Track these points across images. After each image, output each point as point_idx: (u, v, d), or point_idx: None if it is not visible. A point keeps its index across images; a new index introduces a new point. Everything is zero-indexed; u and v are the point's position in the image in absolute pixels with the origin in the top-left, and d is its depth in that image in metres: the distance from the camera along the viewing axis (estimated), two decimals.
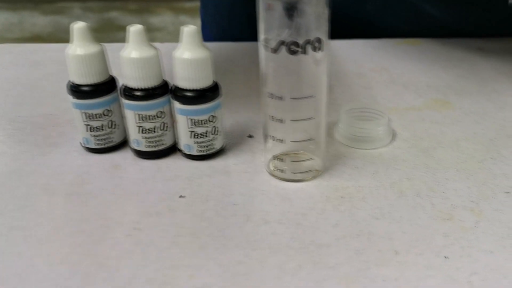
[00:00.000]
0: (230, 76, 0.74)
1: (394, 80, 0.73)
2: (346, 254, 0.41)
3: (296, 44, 0.42)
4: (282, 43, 0.42)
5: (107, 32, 3.17)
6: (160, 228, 0.44)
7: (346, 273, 0.39)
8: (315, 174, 0.50)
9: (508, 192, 0.48)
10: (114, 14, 3.49)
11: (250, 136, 0.58)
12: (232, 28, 0.94)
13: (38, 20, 3.49)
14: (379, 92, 0.70)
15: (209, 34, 0.99)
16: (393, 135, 0.58)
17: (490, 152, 0.55)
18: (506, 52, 0.84)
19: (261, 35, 0.44)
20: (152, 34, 2.96)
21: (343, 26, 0.90)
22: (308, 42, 0.42)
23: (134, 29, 0.47)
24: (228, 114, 0.62)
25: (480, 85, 0.71)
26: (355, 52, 0.84)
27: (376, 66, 0.79)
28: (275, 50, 0.43)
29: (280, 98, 0.45)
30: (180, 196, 0.47)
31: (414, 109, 0.65)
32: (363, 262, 0.40)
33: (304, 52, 0.43)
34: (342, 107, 0.58)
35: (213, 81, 0.51)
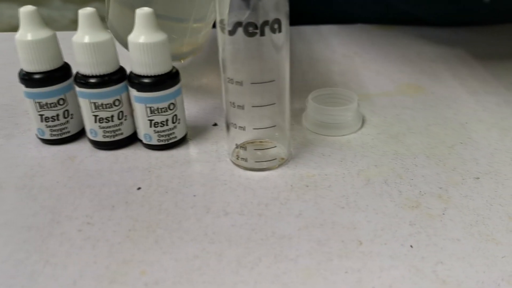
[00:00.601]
0: (198, 61, 0.72)
1: (366, 66, 0.71)
2: (308, 246, 0.39)
3: (253, 25, 0.40)
4: (239, 24, 0.40)
5: None
6: (114, 222, 0.41)
7: (306, 266, 0.37)
8: (280, 162, 0.48)
9: (477, 178, 0.46)
10: (95, 5, 3.44)
11: (215, 125, 0.56)
12: None
13: (16, 12, 3.43)
14: (351, 77, 0.68)
15: None
16: (363, 121, 0.56)
17: (461, 137, 0.53)
18: (478, 38, 0.82)
19: (217, 17, 0.41)
20: None
21: (314, 17, 0.88)
22: (266, 23, 0.40)
23: (85, 13, 0.45)
24: (193, 102, 0.60)
25: (453, 70, 0.70)
26: (328, 38, 0.82)
27: (349, 51, 0.77)
28: (231, 32, 0.41)
29: (240, 83, 0.43)
30: (138, 188, 0.45)
31: (386, 95, 0.63)
32: (325, 254, 0.38)
33: (263, 33, 0.40)
34: (310, 93, 0.56)
35: (172, 66, 0.48)
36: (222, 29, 0.41)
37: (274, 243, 0.39)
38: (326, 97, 0.57)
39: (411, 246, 0.38)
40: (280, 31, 0.41)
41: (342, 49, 0.77)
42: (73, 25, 3.00)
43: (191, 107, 0.59)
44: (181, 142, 0.52)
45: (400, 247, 0.38)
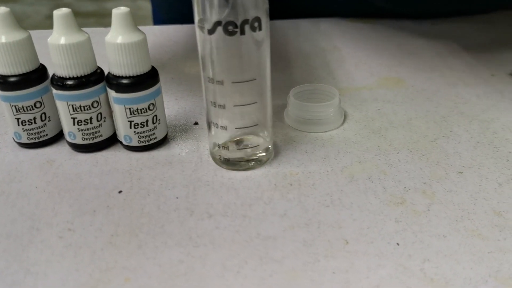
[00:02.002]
0: (180, 60, 0.71)
1: (346, 59, 0.71)
2: (293, 246, 0.38)
3: (233, 24, 0.39)
4: (218, 23, 0.39)
5: None
6: (95, 227, 0.40)
7: (293, 267, 0.36)
8: (263, 161, 0.47)
9: (461, 172, 0.46)
10: (69, 0, 3.40)
11: (196, 124, 0.55)
12: (186, 9, 0.90)
13: None
14: (331, 72, 0.67)
15: (160, 16, 0.95)
16: (345, 117, 0.55)
17: (443, 130, 0.53)
18: (457, 30, 0.82)
19: (196, 16, 0.40)
20: (107, 19, 2.89)
21: (288, 11, 0.87)
22: (246, 22, 0.39)
23: (61, 13, 0.44)
24: (172, 100, 0.59)
25: (432, 62, 0.69)
26: (306, 32, 0.81)
27: (328, 45, 0.76)
28: (211, 32, 0.40)
29: (220, 82, 0.42)
30: (119, 192, 0.44)
31: (366, 89, 0.62)
32: (312, 254, 0.37)
33: (242, 32, 0.40)
34: (291, 89, 0.55)
35: (151, 66, 0.47)
36: (201, 28, 0.40)
37: (259, 245, 0.38)
38: (307, 93, 0.56)
39: (398, 244, 0.38)
40: (260, 29, 0.40)
41: (320, 43, 0.77)
42: (47, 21, 2.96)
43: (171, 106, 0.58)
44: (162, 142, 0.51)
45: (386, 245, 0.38)
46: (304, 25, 0.84)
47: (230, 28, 0.39)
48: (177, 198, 0.43)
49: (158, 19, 0.95)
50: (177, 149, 0.50)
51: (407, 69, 0.67)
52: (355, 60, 0.71)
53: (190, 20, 0.84)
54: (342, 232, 0.39)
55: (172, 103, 0.59)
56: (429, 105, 0.58)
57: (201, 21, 0.40)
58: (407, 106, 0.58)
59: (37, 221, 0.41)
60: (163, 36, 0.80)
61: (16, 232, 0.40)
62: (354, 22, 0.84)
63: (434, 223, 0.40)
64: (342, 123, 0.54)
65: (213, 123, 0.45)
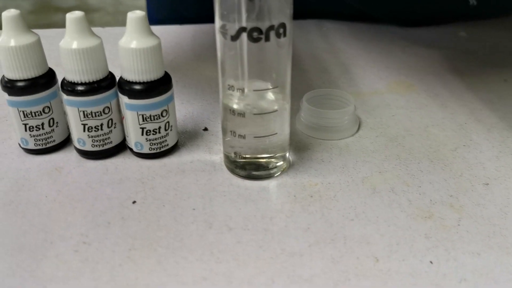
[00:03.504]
0: (179, 63, 0.69)
1: (351, 62, 0.70)
2: (322, 264, 0.37)
3: (258, 30, 0.38)
4: (243, 29, 0.38)
5: (44, 14, 3.04)
6: (112, 241, 0.39)
7: (324, 287, 0.35)
8: (280, 170, 0.46)
9: (487, 184, 0.45)
10: None
11: (205, 129, 0.53)
12: (181, 8, 0.88)
13: None
14: (338, 76, 0.66)
15: (155, 15, 0.93)
16: (359, 123, 0.54)
17: (462, 139, 0.52)
18: (467, 29, 0.81)
19: (218, 22, 0.39)
20: (90, 15, 2.85)
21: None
22: (271, 28, 0.38)
23: (74, 17, 0.42)
24: (178, 105, 0.58)
25: (441, 66, 0.69)
26: (309, 33, 0.80)
27: (330, 47, 0.75)
28: (234, 38, 0.38)
29: (241, 90, 0.41)
30: (133, 202, 0.43)
31: (377, 93, 0.61)
32: (341, 273, 0.36)
33: (267, 39, 0.38)
34: (303, 95, 0.54)
35: (164, 71, 0.46)
36: (224, 34, 0.39)
37: (285, 262, 0.37)
38: (320, 99, 0.55)
39: (431, 262, 0.37)
40: (285, 35, 0.39)
41: (322, 44, 0.76)
42: (30, 16, 2.91)
43: (177, 111, 0.56)
44: (173, 149, 0.49)
45: (419, 264, 0.37)
46: (307, 26, 0.83)
47: (255, 34, 0.38)
48: (194, 209, 0.42)
49: (153, 19, 0.93)
50: (189, 157, 0.49)
51: (416, 73, 0.66)
52: (362, 63, 0.70)
53: (189, 21, 0.84)
54: (371, 248, 0.38)
55: (179, 108, 0.57)
56: (444, 111, 0.57)
57: (224, 26, 0.39)
58: (422, 113, 0.57)
59: (50, 233, 0.39)
60: (162, 37, 0.78)
61: (29, 245, 0.38)
62: (356, 25, 0.83)
63: (466, 239, 0.39)
64: (357, 130, 0.53)
65: (231, 131, 0.44)
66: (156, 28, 0.80)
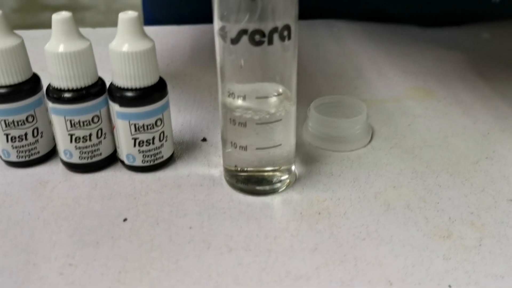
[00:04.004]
0: (177, 67, 0.70)
1: (365, 66, 0.70)
2: (330, 287, 0.37)
3: (260, 33, 0.38)
4: (244, 32, 0.38)
5: (31, 13, 3.06)
6: (100, 263, 0.39)
7: None
8: (285, 184, 0.46)
9: (511, 200, 0.45)
10: None
11: (204, 140, 0.53)
12: (180, 8, 0.88)
13: None
14: (350, 81, 0.66)
15: (151, 15, 0.93)
16: (372, 133, 0.54)
17: (485, 150, 0.52)
18: (490, 29, 0.81)
19: (217, 23, 0.39)
20: (81, 14, 2.86)
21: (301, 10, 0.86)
22: (275, 30, 0.38)
23: (60, 18, 0.42)
24: (175, 113, 0.58)
25: (462, 70, 0.69)
26: (319, 34, 0.81)
27: (342, 50, 0.75)
28: (235, 41, 0.39)
29: (242, 97, 0.41)
30: (124, 220, 0.43)
31: (393, 100, 0.61)
32: None
33: (271, 42, 0.38)
34: (311, 102, 0.54)
35: (159, 77, 0.46)
36: (223, 37, 0.39)
37: (291, 286, 0.37)
38: (330, 106, 0.55)
39: (450, 286, 0.37)
40: (289, 38, 0.39)
41: (334, 47, 0.76)
42: (14, 14, 2.93)
43: (174, 119, 0.56)
44: (168, 162, 0.49)
45: None
46: (316, 26, 0.83)
47: (257, 37, 0.38)
48: (190, 228, 0.42)
49: (150, 19, 0.94)
50: (186, 170, 0.49)
51: (436, 78, 0.67)
52: (377, 67, 0.70)
53: (189, 20, 0.84)
54: (384, 271, 0.38)
55: (175, 116, 0.58)
56: (465, 120, 0.57)
57: (223, 28, 0.39)
58: (441, 121, 0.57)
59: (34, 254, 0.40)
60: (158, 38, 0.78)
61: (10, 268, 0.38)
62: (370, 25, 0.84)
63: (489, 260, 0.39)
64: (370, 141, 0.53)
65: (231, 142, 0.44)
66: (152, 29, 0.81)
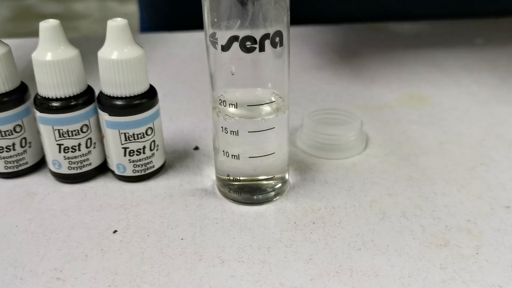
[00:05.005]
0: (168, 75, 0.69)
1: (359, 73, 0.69)
2: None
3: (251, 39, 0.37)
4: (235, 38, 0.37)
5: (25, 22, 3.05)
6: (89, 276, 0.38)
7: None
8: (278, 193, 0.45)
9: (508, 207, 0.44)
10: (32, 1, 3.37)
11: (196, 148, 0.52)
12: (176, 15, 0.87)
13: None
14: (344, 87, 0.65)
15: (147, 22, 0.92)
16: (367, 140, 0.53)
17: (480, 157, 0.51)
18: (484, 34, 0.81)
19: (208, 30, 0.38)
20: (75, 23, 2.85)
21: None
22: (266, 36, 0.37)
23: (47, 25, 0.42)
24: (167, 122, 0.57)
25: (457, 75, 0.68)
26: (310, 41, 0.80)
27: (336, 56, 0.75)
28: (225, 48, 0.38)
29: (234, 105, 0.40)
30: (114, 231, 0.42)
31: (387, 107, 0.60)
32: None
33: (262, 48, 0.37)
34: (304, 110, 0.53)
35: (149, 85, 0.45)
36: (213, 44, 0.38)
37: None
38: (323, 114, 0.54)
39: None
40: (281, 44, 0.38)
41: (328, 54, 0.75)
42: (9, 24, 2.92)
43: (166, 128, 0.55)
44: (159, 171, 0.49)
45: None
46: (308, 32, 0.82)
47: (248, 44, 0.37)
48: (182, 239, 0.41)
49: (145, 26, 0.93)
50: (177, 180, 0.48)
51: (430, 84, 0.66)
52: (370, 73, 0.69)
53: (182, 27, 0.83)
54: (380, 281, 0.37)
55: (167, 124, 0.57)
56: (460, 126, 0.56)
57: (214, 35, 0.38)
58: (435, 128, 0.56)
59: (20, 268, 0.38)
60: (150, 46, 0.78)
61: None
62: (365, 30, 0.83)
63: (486, 270, 0.38)
64: (365, 148, 0.52)
65: (223, 151, 0.43)
66: (144, 37, 0.80)
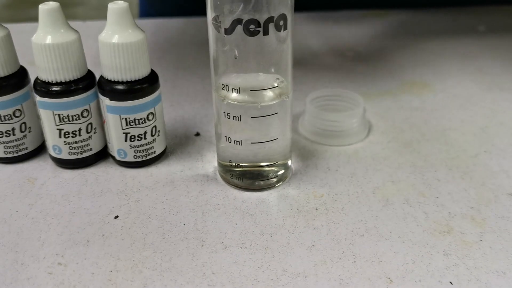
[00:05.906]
0: (169, 60, 0.68)
1: (361, 59, 0.69)
2: (328, 285, 0.36)
3: (255, 22, 0.37)
4: (238, 22, 0.37)
5: (23, 8, 3.04)
6: (90, 261, 0.38)
7: None
8: (281, 180, 0.45)
9: (511, 194, 0.44)
10: None
11: (197, 134, 0.52)
12: (175, 0, 0.87)
13: None
14: (346, 74, 0.65)
15: (148, 8, 0.92)
16: (369, 127, 0.53)
17: (483, 144, 0.51)
18: (487, 21, 0.80)
19: (210, 13, 0.38)
20: (73, 10, 2.84)
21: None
22: (270, 20, 0.37)
23: (47, 8, 0.41)
24: (168, 108, 0.57)
25: (459, 63, 0.68)
26: (313, 27, 0.79)
27: (339, 42, 0.74)
28: (229, 31, 0.37)
29: (237, 90, 0.40)
30: (115, 217, 0.42)
31: (389, 94, 0.60)
32: None
33: (266, 32, 0.37)
34: (307, 96, 0.53)
35: (151, 69, 0.45)
36: (217, 27, 0.38)
37: (288, 284, 0.36)
38: (326, 100, 0.54)
39: (451, 283, 0.36)
40: (285, 28, 0.38)
41: (330, 40, 0.75)
42: (6, 11, 2.90)
43: (167, 114, 0.55)
44: (161, 157, 0.48)
45: (438, 285, 0.35)
46: (310, 19, 0.82)
47: (252, 27, 0.37)
48: (184, 225, 0.41)
49: (145, 11, 0.92)
50: (179, 166, 0.48)
51: (432, 71, 0.66)
52: (372, 60, 0.69)
53: (182, 12, 0.83)
54: (383, 267, 0.37)
55: (168, 110, 0.56)
56: (463, 113, 0.56)
57: (217, 18, 0.38)
58: (438, 115, 0.56)
59: (21, 254, 0.38)
60: (150, 31, 0.77)
61: None
62: (367, 16, 0.83)
63: (490, 256, 0.38)
64: (367, 135, 0.52)
65: (225, 136, 0.43)
66: (144, 22, 0.80)
